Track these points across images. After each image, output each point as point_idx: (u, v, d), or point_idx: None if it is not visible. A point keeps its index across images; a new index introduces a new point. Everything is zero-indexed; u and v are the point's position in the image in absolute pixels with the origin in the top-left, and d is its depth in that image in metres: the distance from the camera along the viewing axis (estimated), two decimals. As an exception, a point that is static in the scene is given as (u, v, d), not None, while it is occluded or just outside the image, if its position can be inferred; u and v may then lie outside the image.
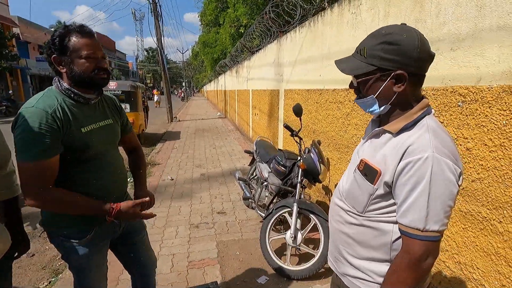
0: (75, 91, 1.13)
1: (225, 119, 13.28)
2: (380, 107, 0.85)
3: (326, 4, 3.11)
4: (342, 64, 0.88)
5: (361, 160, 0.89)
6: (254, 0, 8.89)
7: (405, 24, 0.81)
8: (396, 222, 0.82)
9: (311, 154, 2.41)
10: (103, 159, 1.23)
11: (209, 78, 26.57)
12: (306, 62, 3.52)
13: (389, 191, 0.82)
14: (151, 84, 61.16)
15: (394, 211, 0.83)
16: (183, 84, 44.18)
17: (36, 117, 1.02)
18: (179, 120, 12.80)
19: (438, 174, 0.73)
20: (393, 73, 0.79)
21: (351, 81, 0.90)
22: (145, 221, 1.55)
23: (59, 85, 1.13)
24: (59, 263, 2.50)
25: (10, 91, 18.68)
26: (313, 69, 3.30)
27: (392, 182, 0.80)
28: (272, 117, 5.22)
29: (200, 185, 4.31)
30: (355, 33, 2.41)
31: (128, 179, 1.55)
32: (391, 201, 0.83)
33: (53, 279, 2.28)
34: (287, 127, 2.41)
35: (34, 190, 1.05)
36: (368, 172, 0.85)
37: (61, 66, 1.11)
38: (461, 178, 0.77)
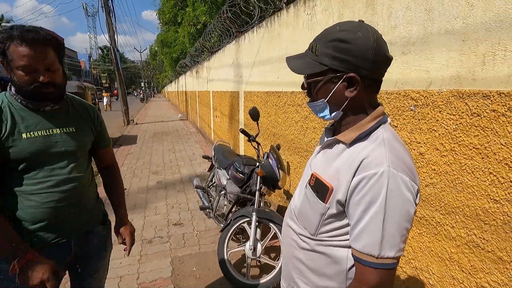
0: (21, 98, 1.03)
1: (187, 121, 12.84)
2: (331, 113, 0.76)
3: (283, 4, 3.04)
4: (292, 62, 0.77)
5: (312, 174, 0.79)
6: (213, -1, 8.68)
7: (363, 22, 0.71)
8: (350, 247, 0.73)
9: (270, 160, 2.30)
10: (52, 173, 1.06)
11: (169, 78, 25.63)
12: (265, 63, 3.43)
13: (343, 210, 0.73)
14: (107, 85, 57.54)
15: (348, 233, 0.74)
16: (142, 84, 42.08)
17: None
18: (136, 123, 12.07)
19: (394, 191, 0.64)
20: (344, 76, 0.69)
21: (303, 82, 0.79)
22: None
23: (9, 89, 1.05)
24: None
25: None
26: (271, 70, 3.22)
27: (346, 200, 0.70)
28: (233, 119, 5.07)
29: (156, 194, 4.01)
30: (311, 34, 2.36)
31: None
32: (345, 221, 0.73)
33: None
34: (243, 132, 2.28)
35: None
36: (320, 188, 0.75)
37: (6, 72, 0.98)
38: (418, 196, 0.69)
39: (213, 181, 3.27)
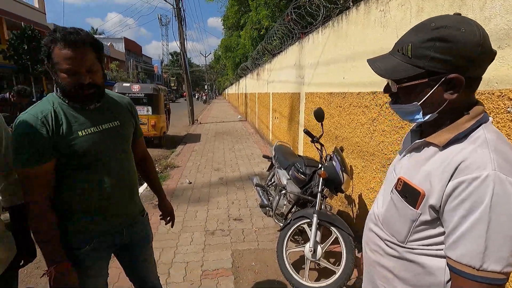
0: (67, 99, 1.08)
1: (245, 122, 13.26)
2: (424, 116, 0.70)
3: (351, 3, 2.94)
4: (377, 64, 0.73)
5: (399, 179, 0.74)
6: (276, 3, 8.81)
7: (460, 14, 0.65)
8: None
9: (333, 162, 2.25)
10: (107, 165, 1.16)
11: (230, 81, 26.82)
12: (329, 63, 3.36)
13: (437, 217, 0.67)
14: (175, 87, 62.81)
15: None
16: (206, 87, 44.93)
17: (26, 123, 0.99)
18: (200, 123, 12.93)
19: (502, 198, 0.57)
20: (445, 77, 0.64)
21: (387, 85, 0.75)
22: (162, 225, 1.52)
23: (55, 90, 1.10)
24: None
25: (45, 94, 19.98)
26: (336, 71, 3.13)
27: (440, 206, 0.65)
28: (292, 121, 5.07)
29: (218, 190, 4.25)
30: (383, 31, 2.23)
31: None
32: (440, 229, 0.67)
33: None
34: (307, 132, 2.27)
35: (27, 199, 1.03)
36: (409, 193, 0.70)
37: (51, 74, 1.05)
38: None
39: (273, 181, 3.32)
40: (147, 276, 1.48)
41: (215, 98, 55.54)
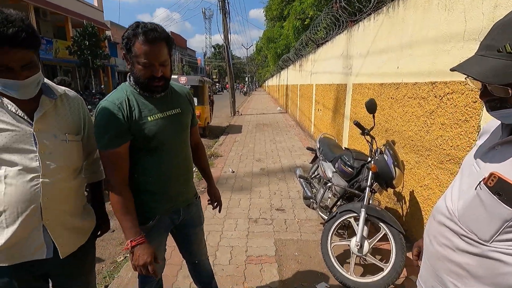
0: (138, 87, 1.19)
1: (286, 114, 13.17)
2: None
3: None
4: (471, 68, 0.65)
5: (492, 174, 0.67)
6: (322, -9, 8.49)
7: None
8: None
9: (385, 155, 2.15)
10: (170, 150, 1.26)
11: (271, 73, 26.69)
12: (381, 53, 3.17)
13: None
14: (217, 79, 64.44)
15: None
16: (246, 79, 45.36)
17: (106, 109, 1.11)
18: (241, 114, 13.16)
19: None
20: None
21: (485, 90, 0.68)
22: (208, 210, 1.61)
23: (128, 79, 1.21)
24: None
25: (102, 86, 21.98)
26: (390, 60, 2.95)
27: None
28: (337, 113, 4.92)
29: (260, 180, 4.32)
30: (448, 15, 2.04)
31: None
32: None
33: (127, 255, 2.53)
34: (357, 124, 2.20)
35: (108, 176, 1.16)
36: (505, 191, 0.64)
37: (127, 64, 1.17)
38: None
39: (316, 173, 3.28)
40: (198, 254, 1.61)
41: (255, 90, 55.87)
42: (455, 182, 0.80)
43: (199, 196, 1.57)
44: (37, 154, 0.97)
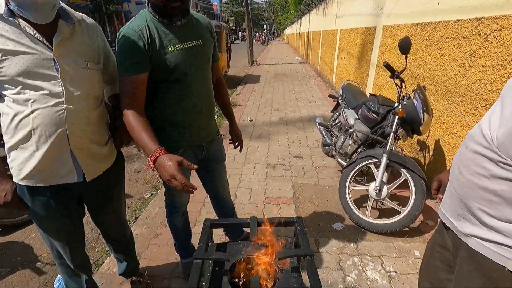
0: (157, 14, 1.13)
1: (306, 64, 12.57)
2: None
3: None
4: None
5: None
6: None
7: None
8: None
9: (414, 100, 2.03)
10: (192, 82, 1.23)
11: (291, 19, 24.91)
12: (420, -13, 2.81)
13: None
14: (234, 27, 61.24)
15: None
16: (264, 27, 42.70)
17: (126, 36, 1.08)
18: (259, 64, 12.70)
19: None
20: None
21: None
22: (226, 155, 1.64)
23: (147, 6, 1.15)
24: (157, 181, 2.94)
25: (117, 33, 21.46)
26: (430, -5, 2.62)
27: None
28: (362, 60, 4.62)
29: (278, 129, 4.31)
30: None
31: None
32: None
33: (153, 193, 2.70)
34: (387, 66, 2.04)
35: (124, 104, 1.13)
36: None
37: None
38: None
39: (337, 121, 3.21)
40: (221, 190, 1.68)
41: (273, 39, 52.94)
42: (495, 110, 0.75)
43: (221, 134, 1.58)
44: (59, 80, 0.98)
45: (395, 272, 1.75)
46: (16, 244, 2.08)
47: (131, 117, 1.11)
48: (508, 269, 0.71)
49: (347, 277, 1.72)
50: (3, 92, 0.96)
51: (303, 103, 5.83)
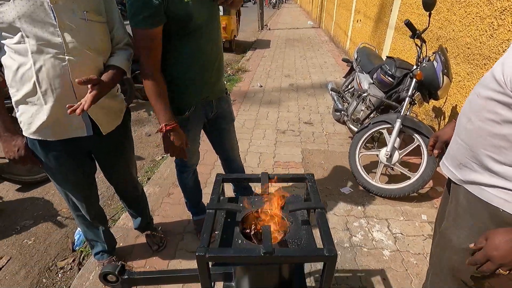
0: None
1: (318, 29, 11.97)
2: None
3: None
4: None
5: None
6: None
7: None
8: None
9: (434, 62, 1.93)
10: (205, 35, 1.20)
11: (305, -20, 23.25)
12: None
13: None
14: (243, -11, 57.79)
15: None
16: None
17: None
18: (269, 29, 12.14)
19: None
20: None
21: None
22: (236, 120, 1.62)
23: None
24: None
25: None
26: None
27: None
28: (380, 22, 4.35)
29: (288, 95, 4.22)
30: None
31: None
32: None
33: (164, 155, 2.75)
34: (408, 24, 1.91)
35: (140, 60, 1.12)
36: None
37: None
38: None
39: (350, 87, 3.11)
40: (231, 150, 1.68)
41: (285, 2, 50.04)
42: (510, 53, 0.72)
43: (229, 93, 1.57)
44: (58, 29, 0.96)
45: (401, 234, 1.79)
46: (37, 200, 2.19)
47: (149, 80, 1.12)
48: (503, 210, 0.75)
49: (353, 237, 1.77)
50: (3, 42, 0.95)
51: (314, 69, 5.64)
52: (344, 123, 2.88)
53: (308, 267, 1.56)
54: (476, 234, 0.78)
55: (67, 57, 0.98)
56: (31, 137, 1.09)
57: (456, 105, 2.37)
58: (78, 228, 1.83)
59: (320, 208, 0.86)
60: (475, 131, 0.79)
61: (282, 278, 0.94)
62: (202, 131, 1.55)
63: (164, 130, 1.18)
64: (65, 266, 1.68)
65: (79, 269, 1.63)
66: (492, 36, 1.98)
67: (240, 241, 0.85)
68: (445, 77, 1.89)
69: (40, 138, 1.09)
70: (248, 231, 0.92)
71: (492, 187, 0.77)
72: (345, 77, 3.33)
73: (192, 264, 1.58)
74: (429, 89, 1.99)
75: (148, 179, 2.37)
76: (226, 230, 0.90)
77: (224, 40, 7.25)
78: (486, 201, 0.78)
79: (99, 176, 1.43)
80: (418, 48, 2.03)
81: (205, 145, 1.60)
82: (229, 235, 0.88)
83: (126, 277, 1.08)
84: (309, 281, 1.48)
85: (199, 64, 1.24)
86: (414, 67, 2.06)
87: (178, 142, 1.22)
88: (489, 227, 0.77)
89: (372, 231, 1.81)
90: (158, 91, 1.14)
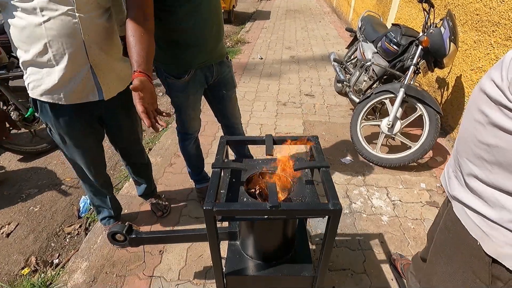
0: None
1: (320, 0, 11.51)
2: None
3: None
4: None
5: None
6: None
7: None
8: None
9: (442, 28, 1.87)
10: (204, 3, 1.17)
11: None
12: None
13: None
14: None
15: None
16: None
17: None
18: (269, -1, 11.66)
19: None
20: None
21: None
22: (237, 93, 1.57)
23: None
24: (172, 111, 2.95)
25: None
26: None
27: None
28: (385, -10, 4.17)
29: (289, 67, 4.14)
30: None
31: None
32: None
33: (166, 128, 2.74)
34: (417, -13, 1.83)
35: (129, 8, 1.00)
36: None
37: None
38: None
39: (352, 57, 3.04)
40: (233, 117, 1.66)
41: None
42: None
43: (231, 59, 1.53)
44: None
45: (400, 201, 1.83)
46: (40, 170, 2.20)
47: (130, 27, 0.97)
48: (480, 244, 0.63)
49: (353, 204, 1.81)
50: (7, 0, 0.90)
51: (316, 41, 5.48)
52: (345, 94, 2.85)
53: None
54: (461, 271, 0.70)
55: (77, 14, 0.94)
56: (40, 99, 1.07)
57: (460, 75, 2.33)
58: (83, 196, 1.86)
59: (324, 167, 0.87)
60: (462, 134, 0.68)
61: (285, 236, 0.97)
62: (204, 100, 1.53)
63: (133, 78, 0.93)
64: (72, 232, 1.73)
65: (86, 234, 1.67)
66: (503, 1, 1.90)
67: (245, 199, 0.86)
68: (452, 44, 1.84)
69: (51, 101, 1.07)
70: (253, 190, 0.94)
71: (473, 211, 0.65)
72: (348, 47, 3.25)
73: (196, 229, 1.63)
74: (435, 56, 1.94)
75: (150, 149, 2.38)
76: (232, 189, 0.92)
77: (222, 10, 6.97)
78: (467, 229, 0.66)
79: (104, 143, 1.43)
80: (426, 13, 1.96)
81: (205, 116, 1.59)
82: (234, 194, 0.89)
83: (133, 236, 1.12)
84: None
85: (197, 28, 1.21)
86: (421, 34, 2.00)
87: (149, 99, 0.95)
88: (472, 266, 0.66)
89: (372, 199, 1.85)
90: (139, 36, 0.97)
